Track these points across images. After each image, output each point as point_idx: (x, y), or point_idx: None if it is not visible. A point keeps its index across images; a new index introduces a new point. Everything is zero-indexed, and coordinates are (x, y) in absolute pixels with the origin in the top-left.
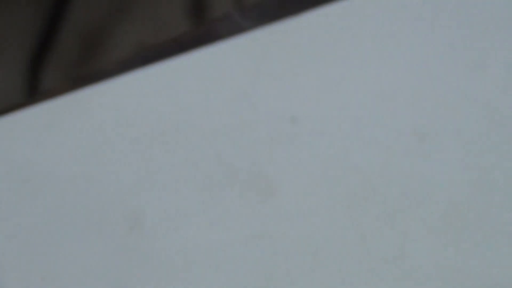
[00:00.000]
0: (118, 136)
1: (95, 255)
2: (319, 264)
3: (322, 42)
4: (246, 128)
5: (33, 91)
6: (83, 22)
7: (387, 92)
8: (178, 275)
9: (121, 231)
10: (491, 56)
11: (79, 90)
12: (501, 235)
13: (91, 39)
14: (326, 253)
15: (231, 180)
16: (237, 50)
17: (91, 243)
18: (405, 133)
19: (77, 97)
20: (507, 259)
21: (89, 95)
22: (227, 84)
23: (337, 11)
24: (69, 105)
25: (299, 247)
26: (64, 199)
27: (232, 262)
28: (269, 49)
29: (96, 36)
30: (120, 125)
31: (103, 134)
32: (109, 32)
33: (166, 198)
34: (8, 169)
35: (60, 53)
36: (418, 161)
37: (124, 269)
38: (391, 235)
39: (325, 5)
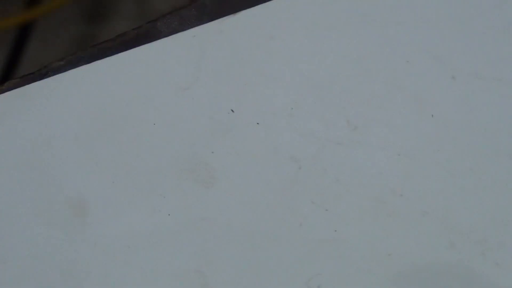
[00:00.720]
0: (62, 128)
1: (40, 242)
2: (257, 246)
3: (258, 38)
4: (187, 120)
5: None
6: None
7: (321, 85)
8: (121, 259)
9: (66, 218)
10: (418, 51)
11: (26, 86)
12: (427, 219)
13: None
14: (263, 236)
15: (173, 169)
16: (178, 46)
17: (37, 230)
18: (338, 123)
19: (23, 92)
20: (431, 241)
21: (35, 90)
22: (168, 79)
23: (272, 8)
24: (15, 100)
25: (238, 231)
26: (10, 189)
27: (173, 246)
28: (209, 46)
29: None
30: (64, 117)
31: (48, 127)
32: None
33: (109, 186)
34: None
35: None
36: (350, 150)
37: (69, 255)
38: (325, 219)
39: (260, 4)
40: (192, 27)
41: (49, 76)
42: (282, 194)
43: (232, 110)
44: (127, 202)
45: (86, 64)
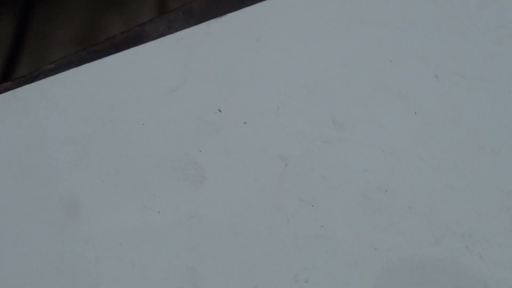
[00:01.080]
0: (54, 129)
1: (33, 239)
2: (245, 242)
3: (244, 40)
4: (176, 120)
5: None
6: None
7: (307, 85)
8: (113, 256)
9: (59, 217)
10: (402, 51)
11: (17, 88)
12: (412, 214)
13: None
14: (251, 232)
15: (163, 168)
16: (166, 49)
17: (30, 228)
18: (324, 122)
19: (15, 94)
20: (416, 235)
21: (27, 92)
22: (156, 80)
23: (258, 11)
24: (8, 102)
25: (227, 227)
26: (4, 188)
27: (163, 243)
28: (196, 48)
29: None
30: (56, 118)
31: (40, 128)
32: None
33: (101, 185)
34: None
35: None
36: (336, 148)
37: (61, 251)
38: (312, 215)
39: (247, 6)
40: (179, 30)
41: (41, 78)
42: (269, 191)
43: (220, 110)
44: (118, 200)
45: (76, 66)
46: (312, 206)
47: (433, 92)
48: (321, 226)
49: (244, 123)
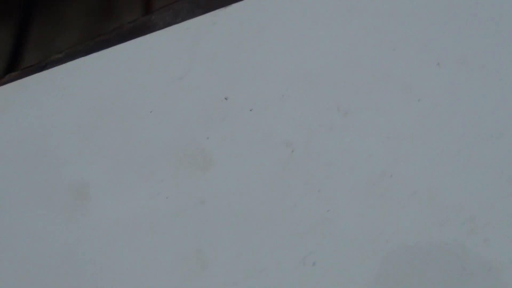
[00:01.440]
0: (63, 117)
1: (43, 225)
2: (253, 227)
3: (249, 29)
4: (183, 108)
5: None
6: None
7: (311, 73)
8: (122, 241)
9: (67, 203)
10: (405, 39)
11: (26, 78)
12: (416, 199)
13: None
14: (259, 217)
15: (171, 155)
16: (172, 38)
17: (40, 214)
18: (329, 109)
19: (23, 83)
20: (421, 220)
21: (35, 82)
22: (163, 69)
23: (263, 1)
24: (17, 91)
25: (234, 212)
26: (14, 176)
27: (172, 228)
28: (202, 37)
29: None
30: (64, 107)
31: (49, 116)
32: None
33: (109, 171)
34: None
35: None
36: (342, 134)
37: (70, 237)
38: (319, 200)
39: None
40: (185, 19)
41: (48, 68)
42: (276, 177)
43: (226, 98)
44: (126, 186)
45: (84, 56)
46: (318, 191)
47: (435, 79)
48: (328, 210)
49: (250, 110)
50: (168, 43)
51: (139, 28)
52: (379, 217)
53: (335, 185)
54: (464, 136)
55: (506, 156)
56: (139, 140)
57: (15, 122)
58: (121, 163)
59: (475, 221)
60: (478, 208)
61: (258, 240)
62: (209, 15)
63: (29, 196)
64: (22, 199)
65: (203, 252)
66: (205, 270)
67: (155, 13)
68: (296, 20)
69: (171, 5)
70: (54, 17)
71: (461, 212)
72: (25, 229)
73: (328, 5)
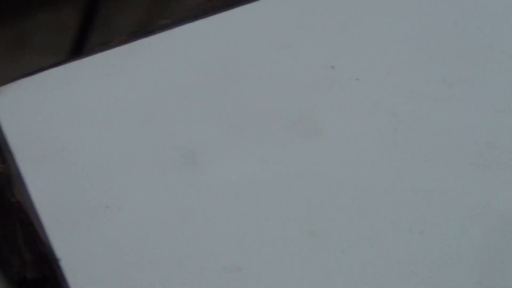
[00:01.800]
0: (170, 82)
1: (154, 189)
2: (360, 195)
3: None
4: (290, 76)
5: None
6: None
7: (418, 43)
8: (232, 206)
9: (178, 167)
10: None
11: (133, 42)
12: None
13: None
14: (366, 186)
15: (278, 121)
16: (280, 6)
17: (150, 177)
18: (434, 80)
19: (132, 48)
20: None
21: (142, 46)
22: (270, 37)
23: None
24: (124, 56)
25: (342, 180)
26: (124, 140)
27: (278, 196)
28: (308, 6)
29: None
30: (173, 72)
31: (157, 81)
32: None
33: (220, 137)
34: (74, 111)
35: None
36: (447, 105)
37: (181, 201)
38: (425, 171)
39: None
40: None
41: (156, 33)
42: (382, 147)
43: (332, 67)
44: (236, 152)
45: (192, 22)
46: (425, 161)
47: None
48: (434, 181)
49: (357, 79)
50: (276, 11)
51: None
52: (485, 187)
53: (441, 156)
54: None
55: None
56: (249, 106)
57: (124, 86)
58: (229, 129)
59: None
60: None
61: (366, 209)
62: None
63: (140, 159)
64: (133, 162)
65: (311, 220)
66: (314, 237)
67: None
68: None
69: None
70: None
71: None
72: (135, 193)
73: None
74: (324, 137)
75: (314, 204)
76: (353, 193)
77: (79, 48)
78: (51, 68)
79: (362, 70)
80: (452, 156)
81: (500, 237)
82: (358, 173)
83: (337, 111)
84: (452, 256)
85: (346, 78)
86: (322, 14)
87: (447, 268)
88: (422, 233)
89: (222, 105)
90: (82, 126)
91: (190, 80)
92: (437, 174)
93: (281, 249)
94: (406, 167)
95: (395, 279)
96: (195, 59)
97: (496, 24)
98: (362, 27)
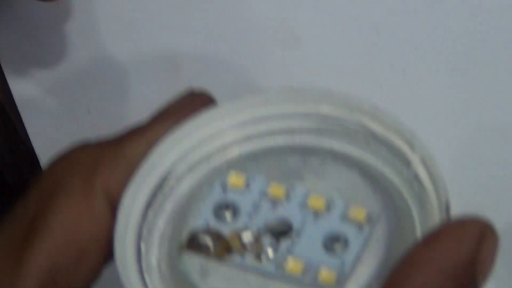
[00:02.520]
0: None
1: None
2: None
3: None
4: None
5: None
6: None
7: None
8: None
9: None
10: None
11: None
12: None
13: None
14: None
15: (260, 34)
16: None
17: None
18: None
19: None
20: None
21: None
22: None
23: None
24: None
25: None
26: None
27: None
28: None
29: None
30: None
31: None
32: None
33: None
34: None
35: None
36: (427, 17)
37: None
38: (403, 82)
39: None
40: None
41: None
42: (362, 59)
43: None
44: None
45: None
46: (403, 73)
47: None
48: (412, 91)
49: None
50: None
51: None
52: (464, 96)
53: (420, 68)
54: None
55: None
56: (229, 18)
57: None
58: (211, 42)
59: None
60: None
61: None
62: None
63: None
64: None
65: None
66: None
67: None
68: None
69: None
70: None
71: None
72: None
73: None
74: (304, 48)
75: None
76: None
77: None
78: None
79: None
80: (431, 67)
81: None
82: (335, 85)
83: (319, 24)
84: None
85: None
86: None
87: None
88: None
89: (203, 14)
90: None
91: None
92: (415, 85)
93: None
94: (384, 79)
95: None
96: None
97: None
98: None
